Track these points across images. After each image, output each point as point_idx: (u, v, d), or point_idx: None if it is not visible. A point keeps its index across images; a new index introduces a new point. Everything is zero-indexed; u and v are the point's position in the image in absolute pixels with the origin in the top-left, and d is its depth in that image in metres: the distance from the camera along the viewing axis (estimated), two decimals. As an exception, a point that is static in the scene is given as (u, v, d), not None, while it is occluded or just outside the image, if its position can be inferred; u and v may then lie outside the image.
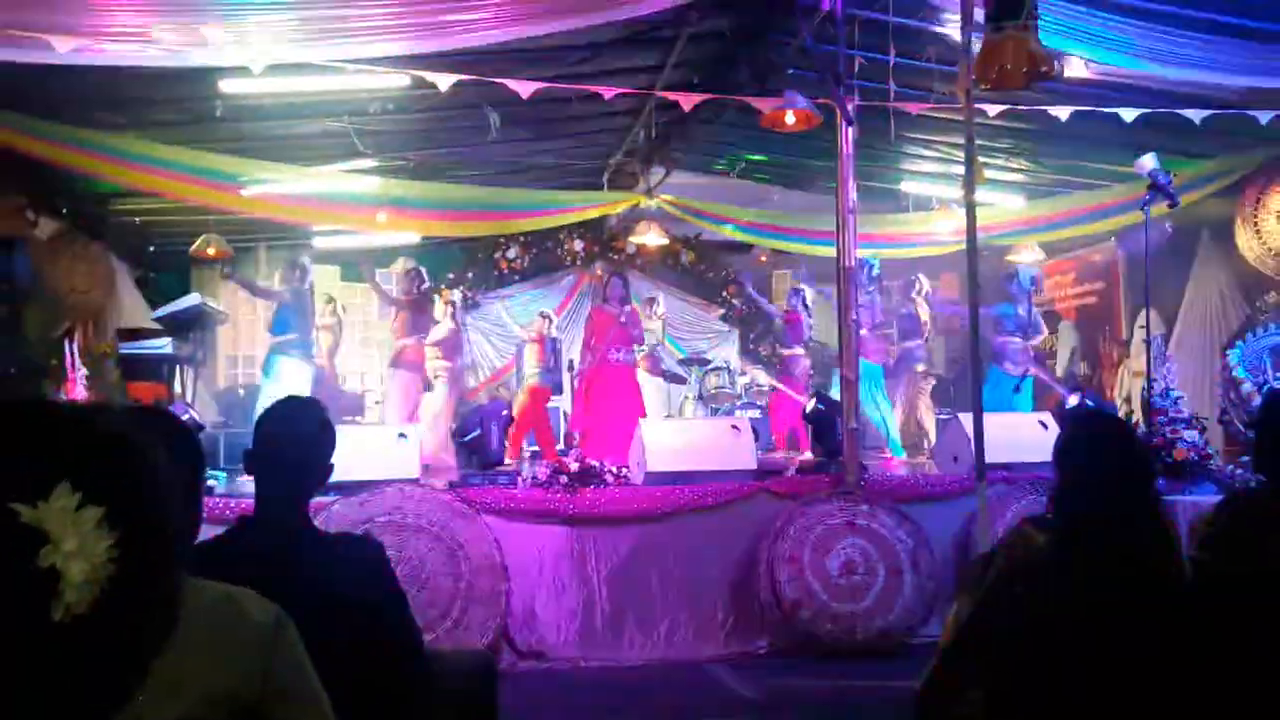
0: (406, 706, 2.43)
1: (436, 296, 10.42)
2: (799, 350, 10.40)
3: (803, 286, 10.67)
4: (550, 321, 10.88)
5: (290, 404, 2.68)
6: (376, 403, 11.50)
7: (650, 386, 11.28)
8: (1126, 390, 10.50)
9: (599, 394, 9.33)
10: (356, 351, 12.50)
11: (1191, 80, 6.97)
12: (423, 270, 10.27)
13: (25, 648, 1.16)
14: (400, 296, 10.02)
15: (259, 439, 2.52)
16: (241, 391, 11.07)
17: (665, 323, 11.77)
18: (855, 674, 5.52)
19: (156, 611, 1.29)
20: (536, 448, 9.96)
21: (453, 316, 10.42)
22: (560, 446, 9.97)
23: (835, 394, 7.39)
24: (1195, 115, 7.28)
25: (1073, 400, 8.40)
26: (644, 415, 9.19)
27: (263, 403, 8.47)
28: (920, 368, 10.29)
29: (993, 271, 11.22)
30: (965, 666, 2.17)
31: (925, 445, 10.06)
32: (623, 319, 9.41)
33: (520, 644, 5.83)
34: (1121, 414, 8.97)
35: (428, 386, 10.00)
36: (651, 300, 11.63)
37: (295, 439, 2.52)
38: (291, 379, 9.11)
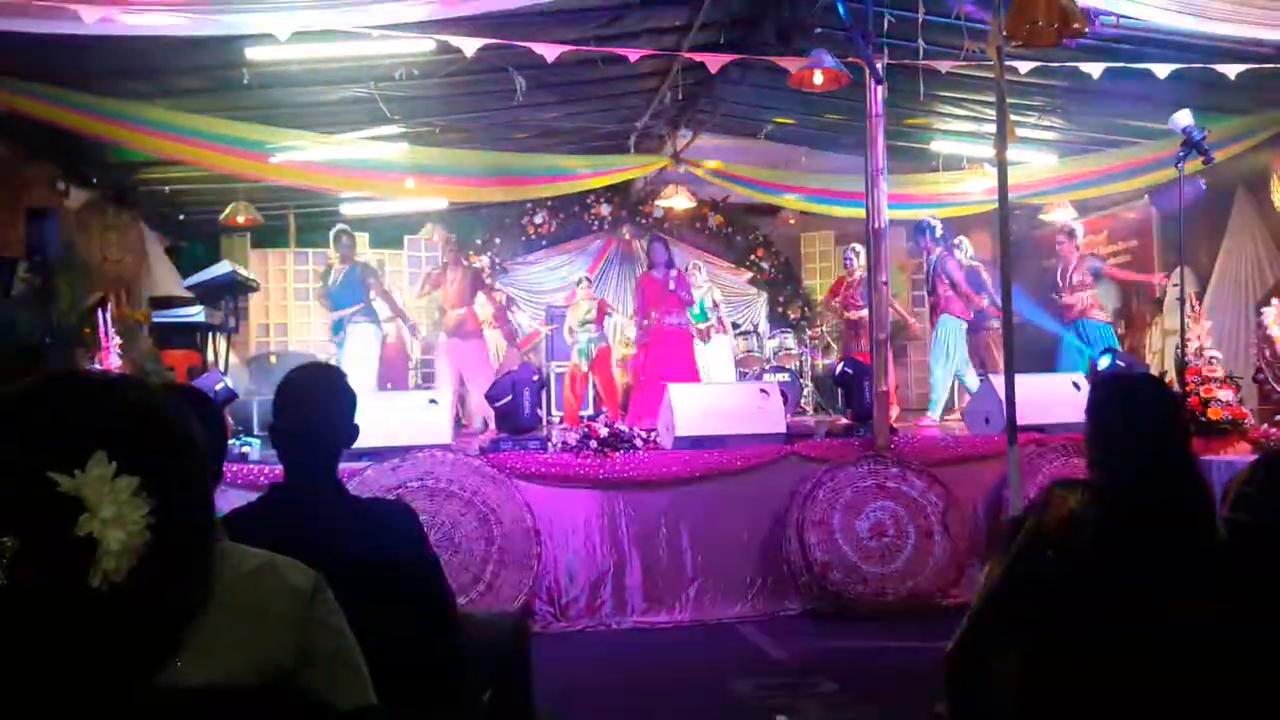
0: (441, 670, 2.45)
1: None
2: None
3: (855, 245, 10.49)
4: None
5: (305, 372, 2.67)
6: (413, 369, 11.60)
7: (723, 349, 11.30)
8: (1159, 349, 10.38)
9: (657, 359, 9.39)
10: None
11: (1225, 35, 6.83)
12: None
13: (64, 614, 1.18)
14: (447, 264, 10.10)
15: (278, 410, 2.53)
16: (273, 359, 11.14)
17: (710, 286, 11.53)
18: (886, 635, 5.54)
19: (191, 579, 1.31)
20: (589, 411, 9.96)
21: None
22: (589, 411, 9.99)
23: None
24: (1230, 70, 7.15)
25: (1104, 361, 8.32)
26: (698, 379, 9.25)
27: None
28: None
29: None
30: (996, 629, 2.17)
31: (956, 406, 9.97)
32: (671, 285, 9.43)
33: (553, 607, 5.89)
34: (1154, 374, 8.88)
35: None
36: (697, 267, 11.51)
37: (314, 406, 2.53)
38: (366, 346, 9.40)
